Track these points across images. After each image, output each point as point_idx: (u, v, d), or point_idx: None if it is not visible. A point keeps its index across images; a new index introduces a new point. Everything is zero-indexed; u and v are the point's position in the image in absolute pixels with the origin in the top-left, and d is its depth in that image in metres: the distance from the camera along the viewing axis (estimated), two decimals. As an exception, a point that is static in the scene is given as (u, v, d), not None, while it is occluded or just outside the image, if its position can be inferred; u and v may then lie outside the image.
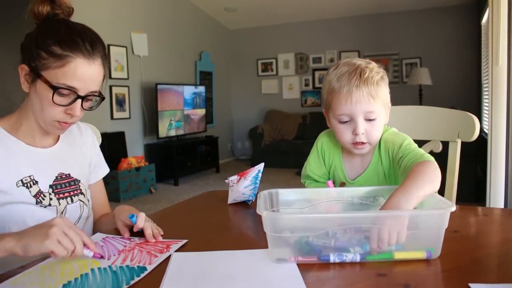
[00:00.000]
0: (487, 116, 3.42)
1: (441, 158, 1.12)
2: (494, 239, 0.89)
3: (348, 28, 6.63)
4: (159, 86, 5.17)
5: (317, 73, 6.95)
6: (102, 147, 1.24)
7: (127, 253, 0.85)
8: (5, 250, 0.77)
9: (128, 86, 5.01)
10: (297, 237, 0.76)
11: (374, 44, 6.45)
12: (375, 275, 0.69)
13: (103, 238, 0.95)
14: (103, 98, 1.02)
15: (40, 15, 0.97)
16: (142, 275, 0.73)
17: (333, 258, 0.74)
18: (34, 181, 0.99)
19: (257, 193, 1.15)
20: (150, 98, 5.29)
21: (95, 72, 0.95)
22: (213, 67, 6.83)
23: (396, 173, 1.10)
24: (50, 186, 1.03)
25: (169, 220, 1.13)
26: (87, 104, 0.99)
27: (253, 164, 3.78)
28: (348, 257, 0.74)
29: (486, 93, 4.02)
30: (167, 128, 5.33)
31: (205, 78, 6.63)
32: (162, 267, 0.77)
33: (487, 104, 3.56)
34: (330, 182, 1.07)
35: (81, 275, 0.74)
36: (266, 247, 0.78)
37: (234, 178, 1.23)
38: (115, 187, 4.36)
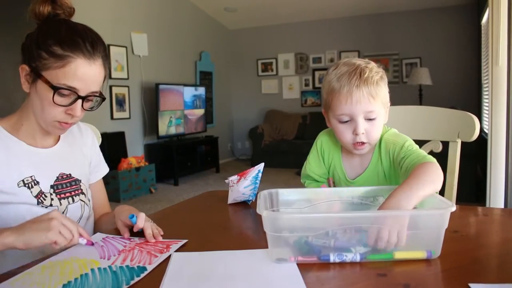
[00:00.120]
0: (487, 116, 3.42)
1: (441, 158, 1.12)
2: (494, 239, 0.89)
3: (348, 28, 6.63)
4: (159, 86, 5.17)
5: (317, 73, 6.95)
6: (102, 147, 1.24)
7: (127, 253, 0.85)
8: (4, 245, 0.81)
9: (128, 86, 5.01)
10: (297, 237, 0.76)
11: (374, 44, 6.45)
12: (375, 275, 0.69)
13: (103, 238, 0.95)
14: (103, 99, 1.02)
15: (41, 15, 0.97)
16: (142, 275, 0.73)
17: (333, 258, 0.74)
18: (35, 182, 1.00)
19: (257, 193, 1.15)
20: (150, 98, 5.29)
21: (95, 72, 0.95)
22: (213, 67, 6.83)
23: (397, 173, 1.10)
24: (51, 186, 1.03)
25: (169, 220, 1.13)
26: (87, 105, 0.99)
27: (253, 164, 3.78)
28: (348, 257, 0.74)
29: (486, 93, 4.02)
30: (167, 125, 5.33)
31: (205, 78, 6.63)
32: (162, 267, 0.77)
33: (487, 104, 3.56)
34: (330, 180, 1.06)
35: (81, 275, 0.74)
36: (266, 247, 0.78)
37: (234, 178, 1.23)
38: (115, 187, 4.36)
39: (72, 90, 0.93)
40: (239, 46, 7.41)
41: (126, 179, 4.48)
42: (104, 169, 1.23)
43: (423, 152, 1.03)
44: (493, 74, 2.42)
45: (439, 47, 6.08)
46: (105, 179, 1.25)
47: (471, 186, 3.74)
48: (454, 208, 0.73)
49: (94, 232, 1.13)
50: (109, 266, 0.78)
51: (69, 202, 1.05)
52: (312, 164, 1.25)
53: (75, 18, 1.02)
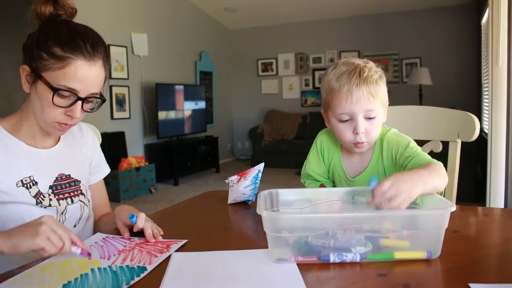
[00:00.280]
0: (487, 116, 3.42)
1: (441, 158, 1.12)
2: (494, 239, 0.89)
3: (348, 28, 6.63)
4: (159, 86, 5.17)
5: (317, 73, 6.95)
6: (102, 147, 1.24)
7: (127, 253, 0.85)
8: None
9: (128, 86, 5.01)
10: (296, 237, 0.76)
11: (374, 44, 6.45)
12: (375, 275, 0.69)
13: (103, 238, 0.95)
14: (104, 100, 1.01)
15: (42, 15, 0.97)
16: (142, 275, 0.73)
17: (333, 258, 0.74)
18: (34, 182, 0.99)
19: (257, 193, 1.15)
20: (150, 98, 5.29)
21: (96, 74, 0.95)
22: (213, 67, 6.83)
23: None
24: (50, 187, 1.02)
25: (169, 220, 1.13)
26: (87, 106, 0.99)
27: (253, 164, 3.78)
28: (348, 257, 0.74)
29: (486, 93, 4.02)
30: (167, 125, 5.33)
31: (205, 78, 6.63)
32: (162, 267, 0.77)
33: (487, 104, 3.56)
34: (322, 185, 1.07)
35: (81, 275, 0.74)
36: (266, 247, 0.78)
37: (234, 178, 1.23)
38: (115, 187, 4.37)
39: (72, 91, 0.93)
40: (239, 46, 7.41)
41: (126, 179, 4.48)
42: (105, 170, 1.23)
43: (428, 155, 1.05)
44: (493, 74, 2.42)
45: (439, 47, 6.08)
46: (105, 179, 1.25)
47: (471, 186, 3.74)
48: (454, 208, 0.73)
49: (94, 232, 1.13)
50: (109, 266, 0.78)
51: (68, 203, 1.05)
52: (312, 163, 1.25)
53: (76, 18, 1.02)
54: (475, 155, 3.70)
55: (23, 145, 1.01)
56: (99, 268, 0.77)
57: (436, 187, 0.88)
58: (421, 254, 0.74)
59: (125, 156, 4.78)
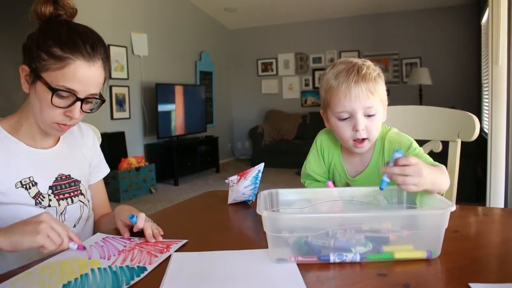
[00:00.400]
0: (487, 116, 3.42)
1: (441, 158, 1.12)
2: (494, 239, 0.89)
3: (348, 28, 6.63)
4: (159, 86, 5.17)
5: (317, 73, 6.95)
6: (102, 147, 1.24)
7: (127, 253, 0.85)
8: None
9: (128, 86, 5.01)
10: (296, 237, 0.76)
11: (374, 44, 6.45)
12: (375, 275, 0.69)
13: (103, 238, 0.95)
14: (103, 101, 1.01)
15: (43, 15, 0.96)
16: (142, 275, 0.73)
17: (333, 258, 0.74)
18: (33, 183, 0.99)
19: (257, 193, 1.15)
20: (150, 98, 5.29)
21: (95, 74, 0.95)
22: (213, 67, 6.83)
23: None
24: (50, 187, 1.02)
25: (169, 220, 1.13)
26: (86, 107, 0.98)
27: (253, 164, 3.78)
28: (348, 257, 0.74)
29: (486, 93, 4.02)
30: (167, 125, 5.33)
31: (205, 78, 6.63)
32: (162, 267, 0.77)
33: (487, 104, 3.56)
34: (330, 183, 1.07)
35: (81, 275, 0.74)
36: (266, 247, 0.78)
37: (234, 178, 1.23)
38: (115, 187, 4.37)
39: (71, 92, 0.92)
40: (239, 46, 7.41)
41: (126, 179, 4.48)
42: (105, 170, 1.23)
43: (430, 157, 1.06)
44: (493, 74, 2.42)
45: (439, 47, 6.08)
46: (105, 179, 1.25)
47: (471, 186, 3.74)
48: (454, 208, 0.73)
49: (94, 232, 1.13)
50: (109, 266, 0.78)
51: (67, 203, 1.05)
52: (312, 163, 1.25)
53: (76, 18, 1.02)
54: (475, 155, 3.70)
55: (23, 145, 1.01)
56: (99, 268, 0.77)
57: (440, 187, 0.90)
58: (421, 254, 0.74)
59: (125, 156, 4.78)
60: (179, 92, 5.56)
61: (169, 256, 0.82)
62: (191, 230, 1.02)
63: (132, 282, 0.71)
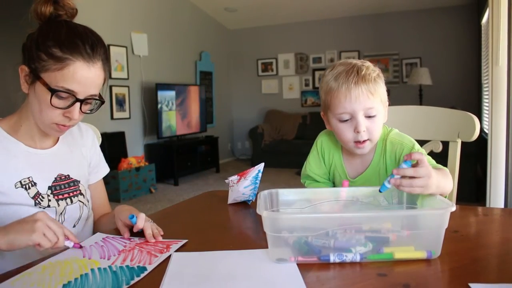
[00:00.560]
0: (487, 116, 3.42)
1: (441, 158, 1.12)
2: (494, 239, 0.89)
3: (348, 28, 6.63)
4: (159, 86, 5.17)
5: (317, 73, 6.95)
6: (102, 147, 1.24)
7: (127, 253, 0.85)
8: None
9: (128, 86, 5.01)
10: (296, 237, 0.76)
11: (374, 44, 6.45)
12: (375, 275, 0.69)
13: (103, 238, 0.95)
14: (103, 102, 1.01)
15: (43, 15, 0.96)
16: (142, 275, 0.73)
17: (333, 258, 0.74)
18: (32, 183, 0.99)
19: (257, 193, 1.15)
20: (150, 98, 5.29)
21: (94, 75, 0.94)
22: (213, 67, 6.83)
23: None
24: (49, 188, 1.02)
25: (169, 220, 1.13)
26: (86, 107, 0.98)
27: (253, 164, 3.78)
28: (348, 257, 0.74)
29: (486, 93, 4.02)
30: (167, 125, 5.33)
31: (205, 78, 6.63)
32: (162, 267, 0.77)
33: (487, 104, 3.56)
34: (345, 182, 1.07)
35: (81, 275, 0.74)
36: (266, 247, 0.78)
37: (234, 178, 1.23)
38: (115, 187, 4.37)
39: (70, 93, 0.92)
40: (239, 46, 7.41)
41: (126, 179, 4.48)
42: (104, 170, 1.23)
43: (433, 160, 1.06)
44: (493, 74, 2.42)
45: (439, 47, 6.08)
46: (105, 179, 1.25)
47: (471, 186, 3.74)
48: (454, 208, 0.73)
49: (94, 232, 1.13)
50: (109, 266, 0.78)
51: (67, 203, 1.05)
52: (312, 165, 1.25)
53: (76, 18, 1.02)
54: (475, 155, 3.70)
55: (22, 145, 1.01)
56: (99, 268, 0.77)
57: (444, 191, 0.90)
58: (421, 254, 0.74)
59: (125, 156, 4.78)
60: (179, 92, 5.56)
61: (169, 256, 0.82)
62: (191, 230, 1.02)
63: (132, 282, 0.71)
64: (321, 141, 1.24)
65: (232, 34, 7.44)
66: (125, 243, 0.91)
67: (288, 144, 6.42)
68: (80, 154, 1.15)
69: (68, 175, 1.08)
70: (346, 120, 1.07)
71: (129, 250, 0.86)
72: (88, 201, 1.12)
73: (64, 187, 1.06)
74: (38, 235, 0.81)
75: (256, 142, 6.52)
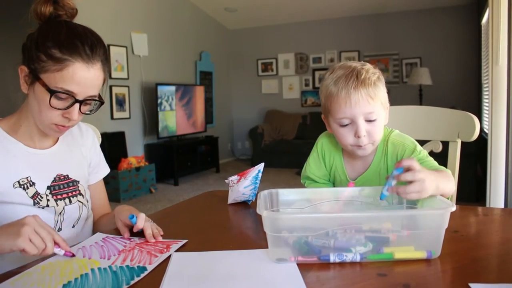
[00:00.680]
0: (487, 116, 3.42)
1: (441, 158, 1.12)
2: (494, 239, 0.89)
3: (348, 28, 6.63)
4: (159, 86, 5.17)
5: (317, 73, 6.95)
6: (102, 147, 1.24)
7: (127, 253, 0.85)
8: None
9: (128, 86, 5.02)
10: (296, 237, 0.76)
11: (374, 44, 6.45)
12: (375, 275, 0.69)
13: (103, 238, 0.95)
14: (102, 102, 1.01)
15: (42, 15, 0.96)
16: (142, 275, 0.73)
17: (333, 258, 0.74)
18: (31, 183, 0.99)
19: (257, 193, 1.15)
20: (150, 98, 5.29)
21: (94, 76, 0.94)
22: (213, 67, 6.83)
23: None
24: (48, 187, 1.02)
25: (169, 220, 1.13)
26: (85, 108, 0.98)
27: (253, 164, 3.78)
28: (348, 257, 0.74)
29: (486, 93, 4.02)
30: (167, 125, 5.33)
31: (205, 78, 6.63)
32: (162, 267, 0.77)
33: (487, 104, 3.56)
34: (351, 183, 1.07)
35: (81, 275, 0.74)
36: (266, 247, 0.78)
37: (234, 178, 1.23)
38: (115, 187, 4.37)
39: (69, 94, 0.92)
40: (239, 46, 7.41)
41: (126, 179, 4.48)
42: (105, 170, 1.23)
43: (435, 161, 1.05)
44: (493, 74, 2.42)
45: (439, 47, 6.08)
46: (105, 179, 1.25)
47: (471, 186, 3.74)
48: (454, 208, 0.73)
49: (94, 232, 1.13)
50: (109, 266, 0.78)
51: (66, 203, 1.04)
52: (312, 166, 1.24)
53: (76, 18, 1.02)
54: (475, 155, 3.70)
55: (21, 145, 1.01)
56: (99, 268, 0.77)
57: (443, 193, 0.89)
58: (421, 254, 0.74)
59: (125, 156, 4.78)
60: (179, 92, 5.56)
61: (169, 256, 0.82)
62: (191, 230, 1.02)
63: (132, 282, 0.71)
64: (322, 143, 1.24)
65: (232, 34, 7.44)
66: (125, 243, 0.91)
67: (288, 144, 6.42)
68: (80, 154, 1.15)
69: (67, 175, 1.08)
70: (347, 125, 1.07)
71: (129, 250, 0.86)
72: (87, 201, 1.12)
73: (63, 187, 1.06)
74: (24, 240, 0.77)
75: (256, 142, 6.52)
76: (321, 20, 6.78)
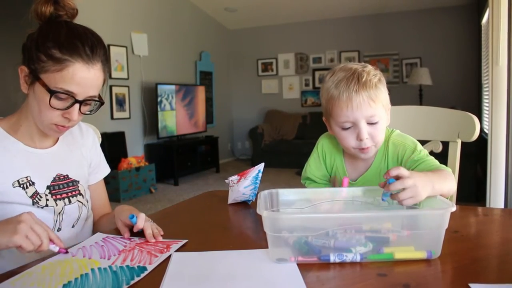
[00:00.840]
0: (487, 116, 3.42)
1: (441, 158, 1.12)
2: (494, 239, 0.89)
3: (348, 28, 6.63)
4: (159, 86, 5.17)
5: (317, 73, 6.95)
6: (102, 147, 1.24)
7: (127, 253, 0.85)
8: None
9: (128, 86, 5.02)
10: (296, 237, 0.76)
11: (374, 44, 6.45)
12: (375, 275, 0.69)
13: (103, 238, 0.95)
14: (102, 103, 1.01)
15: (43, 15, 0.96)
16: (142, 275, 0.73)
17: (333, 258, 0.74)
18: (30, 182, 0.99)
19: (257, 193, 1.15)
20: (150, 98, 5.29)
21: (94, 76, 0.94)
22: (213, 67, 6.83)
23: None
24: (48, 187, 1.02)
25: (169, 220, 1.13)
26: (85, 108, 0.98)
27: (253, 164, 3.78)
28: (348, 257, 0.74)
29: (486, 93, 4.02)
30: (167, 125, 5.33)
31: (205, 78, 6.64)
32: (162, 267, 0.77)
33: (487, 104, 3.56)
34: (345, 180, 1.06)
35: (81, 275, 0.74)
36: (266, 247, 0.78)
37: (234, 178, 1.23)
38: (115, 187, 4.37)
39: (69, 94, 0.92)
40: (239, 46, 7.41)
41: (126, 179, 4.48)
42: (105, 170, 1.23)
43: (436, 160, 1.05)
44: (493, 74, 2.42)
45: (439, 47, 6.08)
46: (105, 179, 1.25)
47: (471, 186, 3.74)
48: (454, 208, 0.73)
49: (94, 232, 1.13)
50: (109, 266, 0.78)
51: (65, 203, 1.04)
52: (312, 167, 1.24)
53: (76, 18, 1.01)
54: (475, 155, 3.70)
55: (21, 145, 1.01)
56: (99, 268, 0.77)
57: (442, 192, 0.89)
58: (421, 254, 0.74)
59: (125, 156, 4.78)
60: (179, 92, 5.56)
61: (169, 256, 0.82)
62: (191, 230, 1.02)
63: (132, 282, 0.71)
64: (322, 144, 1.24)
65: (232, 34, 7.44)
66: (125, 243, 0.91)
67: (288, 144, 6.42)
68: (80, 154, 1.15)
69: (67, 175, 1.08)
70: (349, 128, 1.07)
71: (129, 250, 0.86)
72: (87, 201, 1.12)
73: (63, 187, 1.06)
74: (20, 237, 0.78)
75: (256, 142, 6.52)
76: (321, 20, 6.78)
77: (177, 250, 0.85)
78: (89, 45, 0.93)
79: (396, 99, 1.29)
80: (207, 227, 1.04)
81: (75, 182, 1.09)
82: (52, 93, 0.91)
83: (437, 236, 0.75)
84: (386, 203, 0.94)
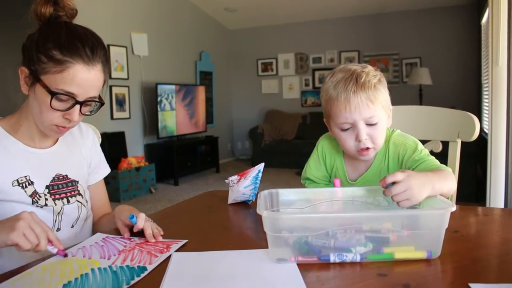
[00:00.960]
0: (487, 116, 3.42)
1: (441, 158, 1.12)
2: (494, 239, 0.89)
3: (348, 28, 6.63)
4: (159, 86, 5.17)
5: (317, 73, 6.95)
6: (102, 147, 1.24)
7: (127, 253, 0.85)
8: None
9: (128, 86, 5.02)
10: (296, 237, 0.76)
11: (374, 44, 6.45)
12: (375, 275, 0.69)
13: (103, 238, 0.95)
14: (102, 104, 1.01)
15: (42, 16, 0.96)
16: (142, 275, 0.73)
17: (333, 258, 0.74)
18: (29, 182, 0.99)
19: (257, 193, 1.15)
20: (150, 98, 5.29)
21: (94, 77, 0.94)
22: (213, 67, 6.83)
23: None
24: (47, 187, 1.02)
25: (169, 220, 1.13)
26: (86, 109, 0.98)
27: (253, 164, 3.78)
28: (348, 257, 0.74)
29: (486, 93, 4.02)
30: (167, 125, 5.33)
31: (205, 78, 6.64)
32: (162, 267, 0.77)
33: (487, 104, 3.56)
34: (337, 181, 1.06)
35: (81, 275, 0.74)
36: (266, 247, 0.78)
37: (234, 178, 1.23)
38: (115, 187, 4.37)
39: (70, 95, 0.92)
40: (239, 46, 7.41)
41: (126, 179, 4.48)
42: (105, 170, 1.23)
43: (436, 160, 1.05)
44: (493, 74, 2.42)
45: (439, 47, 6.08)
46: (105, 179, 1.25)
47: (471, 186, 3.74)
48: (454, 208, 0.73)
49: (94, 232, 1.13)
50: (109, 266, 0.78)
51: (64, 203, 1.04)
52: (312, 168, 1.24)
53: (76, 18, 1.01)
54: (475, 155, 3.70)
55: (21, 144, 1.01)
56: (99, 268, 0.77)
57: (441, 192, 0.88)
58: (421, 254, 0.74)
59: (125, 156, 4.78)
60: (179, 92, 5.56)
61: (169, 256, 0.82)
62: (191, 230, 1.02)
63: (132, 282, 0.71)
64: (322, 145, 1.24)
65: (232, 34, 7.45)
66: (125, 243, 0.91)
67: (288, 144, 6.42)
68: (79, 154, 1.15)
69: (67, 175, 1.08)
70: (348, 129, 1.07)
71: (129, 250, 0.86)
72: (87, 202, 1.12)
73: (62, 187, 1.06)
74: (18, 234, 0.78)
75: (256, 142, 6.52)
76: (321, 20, 6.78)
77: (177, 250, 0.85)
78: (90, 46, 0.93)
79: (396, 99, 1.29)
80: (207, 227, 1.04)
81: (74, 182, 1.09)
82: (53, 94, 0.91)
83: (437, 236, 0.75)
84: (386, 202, 0.94)
